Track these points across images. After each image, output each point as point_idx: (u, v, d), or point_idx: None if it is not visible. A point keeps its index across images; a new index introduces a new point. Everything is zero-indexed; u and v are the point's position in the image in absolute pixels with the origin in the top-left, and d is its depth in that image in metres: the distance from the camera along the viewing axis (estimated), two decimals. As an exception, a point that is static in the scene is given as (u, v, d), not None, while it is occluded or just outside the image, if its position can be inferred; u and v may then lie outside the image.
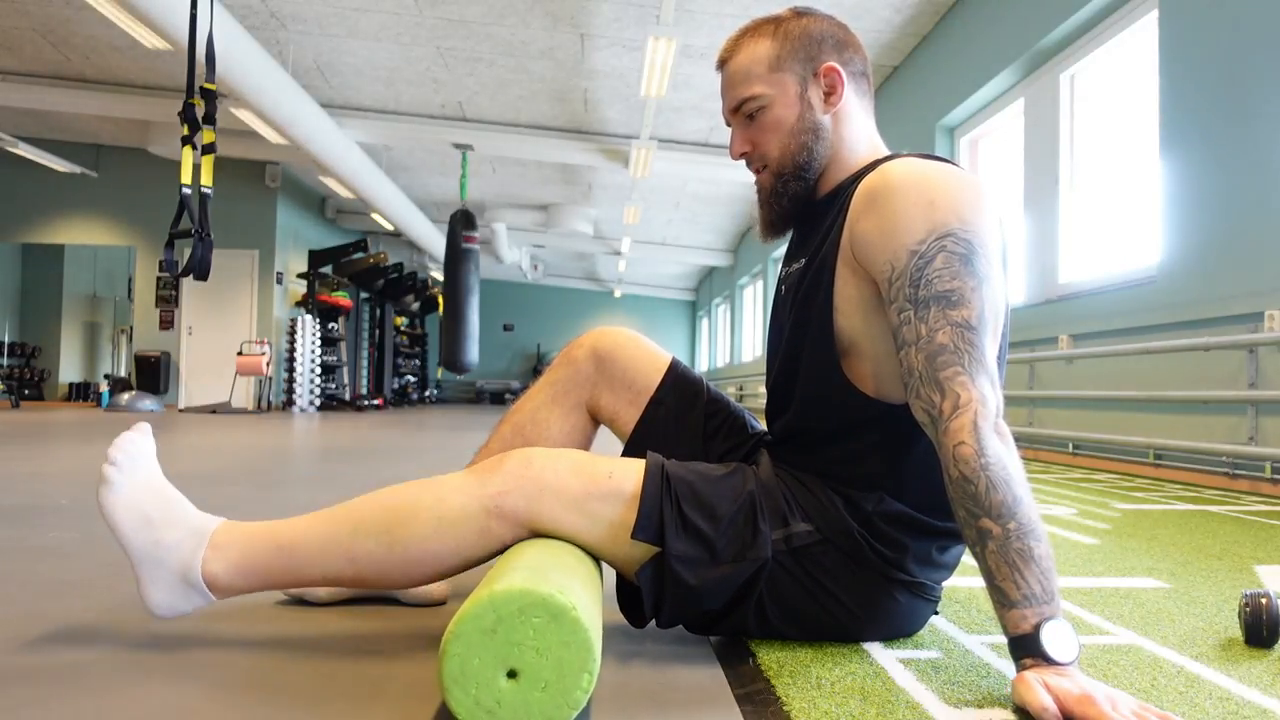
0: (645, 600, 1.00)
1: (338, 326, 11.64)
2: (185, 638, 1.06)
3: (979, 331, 0.92)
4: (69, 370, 13.80)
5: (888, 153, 1.14)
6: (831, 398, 1.06)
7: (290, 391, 10.28)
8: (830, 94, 1.12)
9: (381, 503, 1.01)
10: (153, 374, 10.61)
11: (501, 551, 1.01)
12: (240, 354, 9.90)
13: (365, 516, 1.00)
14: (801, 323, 1.09)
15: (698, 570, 0.99)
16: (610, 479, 1.02)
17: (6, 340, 12.28)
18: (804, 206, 1.16)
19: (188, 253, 2.12)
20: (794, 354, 1.11)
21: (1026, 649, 0.83)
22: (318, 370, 10.61)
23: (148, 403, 9.39)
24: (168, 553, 0.98)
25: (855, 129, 1.14)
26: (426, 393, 16.03)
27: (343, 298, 11.51)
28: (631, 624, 1.07)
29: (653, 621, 1.05)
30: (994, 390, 0.91)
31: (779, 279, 1.22)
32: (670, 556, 0.98)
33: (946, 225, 0.95)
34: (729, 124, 1.21)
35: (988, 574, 0.86)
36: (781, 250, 11.45)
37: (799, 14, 1.15)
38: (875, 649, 1.04)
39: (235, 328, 10.74)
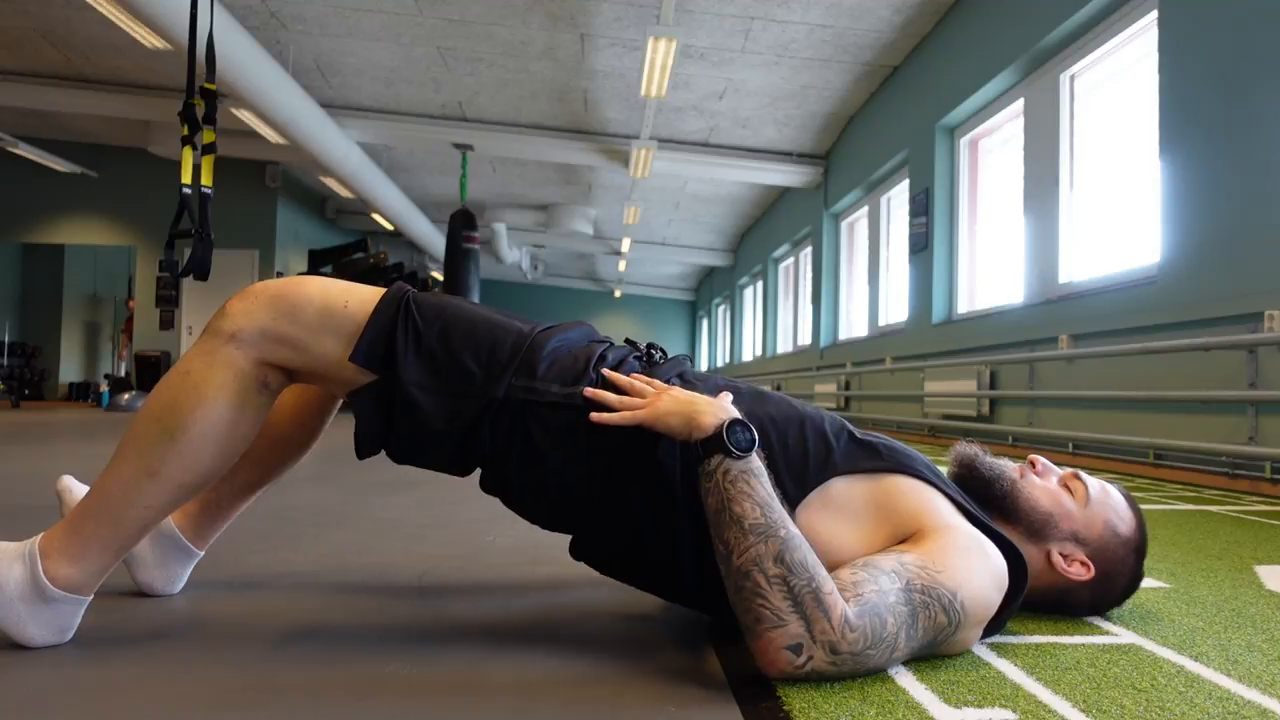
0: (365, 428, 1.01)
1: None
2: (183, 636, 1.06)
3: None
4: (69, 370, 13.78)
5: None
6: None
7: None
8: None
9: (146, 410, 1.02)
10: (153, 374, 10.61)
11: (278, 390, 1.03)
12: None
13: (138, 430, 1.00)
14: None
15: (430, 399, 1.00)
16: (346, 308, 1.03)
17: (6, 340, 12.26)
18: None
19: (188, 253, 2.12)
20: None
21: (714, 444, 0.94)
22: (317, 370, 10.58)
23: (148, 403, 9.37)
24: (7, 586, 0.96)
25: None
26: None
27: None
28: (358, 454, 1.04)
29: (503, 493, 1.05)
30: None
31: None
32: (404, 382, 0.99)
33: None
34: None
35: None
36: (781, 249, 11.45)
37: None
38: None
39: (235, 328, 10.71)
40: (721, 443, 0.93)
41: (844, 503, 1.04)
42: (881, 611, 0.89)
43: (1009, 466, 1.20)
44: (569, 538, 1.13)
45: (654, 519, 1.03)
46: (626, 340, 1.19)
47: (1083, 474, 1.21)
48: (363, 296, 1.05)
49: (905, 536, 1.02)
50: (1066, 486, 1.19)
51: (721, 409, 0.98)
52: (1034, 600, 1.18)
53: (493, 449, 1.03)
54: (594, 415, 1.00)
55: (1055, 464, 1.26)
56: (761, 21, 6.15)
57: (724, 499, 0.92)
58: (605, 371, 1.06)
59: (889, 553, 0.98)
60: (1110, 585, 1.17)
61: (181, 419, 0.98)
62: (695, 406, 0.98)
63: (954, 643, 0.98)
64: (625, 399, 1.02)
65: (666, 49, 5.88)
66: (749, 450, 0.94)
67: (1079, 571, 1.13)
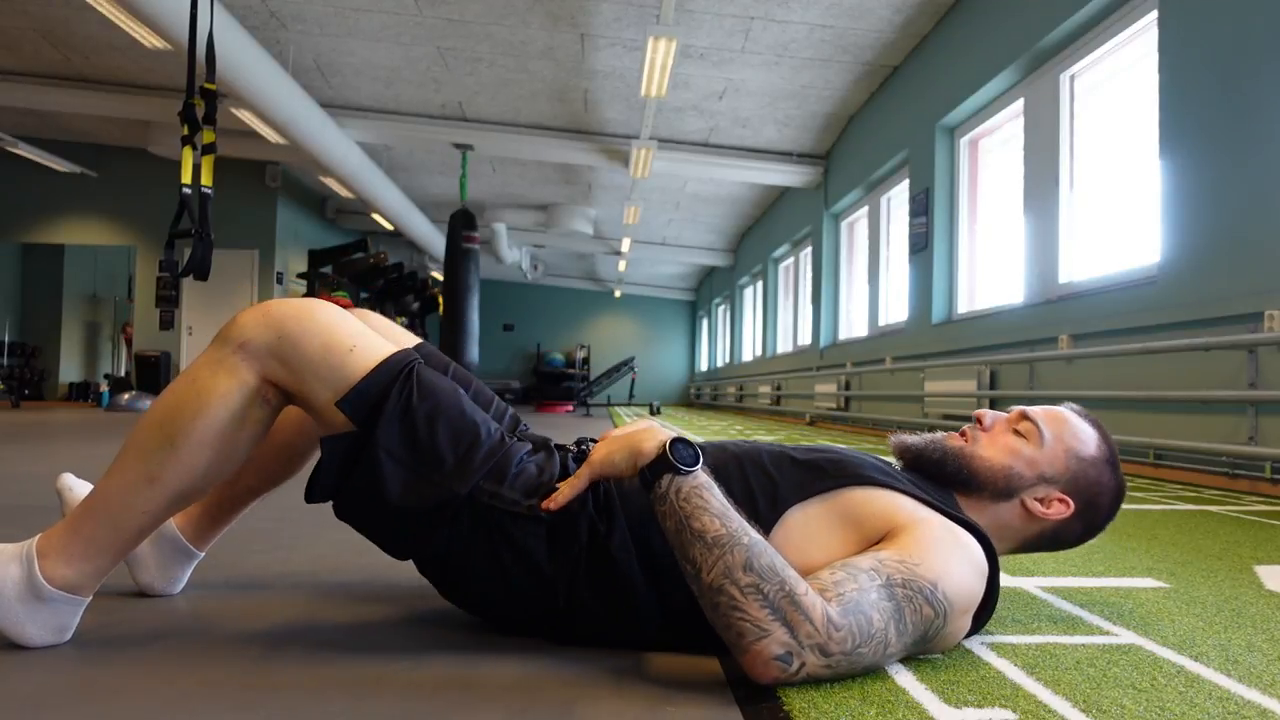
0: (323, 474, 1.00)
1: (338, 326, 11.60)
2: (183, 636, 1.06)
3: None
4: (69, 370, 13.78)
5: None
6: None
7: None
8: None
9: (149, 415, 1.02)
10: (152, 374, 10.61)
11: (279, 406, 1.03)
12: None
13: (141, 435, 1.00)
14: None
15: (395, 470, 0.99)
16: (350, 353, 1.01)
17: (6, 340, 12.26)
18: None
19: (188, 253, 2.12)
20: None
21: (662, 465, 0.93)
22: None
23: (147, 403, 9.39)
24: (4, 587, 0.97)
25: None
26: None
27: (343, 297, 11.49)
28: (306, 498, 1.03)
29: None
30: None
31: None
32: (377, 444, 0.99)
33: None
34: None
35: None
36: (781, 249, 11.43)
37: None
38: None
39: (235, 328, 10.71)
40: (667, 461, 0.93)
41: (804, 530, 1.04)
42: (865, 608, 0.89)
43: (949, 438, 1.19)
44: None
45: (617, 609, 1.03)
46: (556, 445, 1.18)
47: (1029, 410, 1.18)
48: (369, 347, 1.03)
49: (877, 541, 1.02)
50: (1017, 430, 1.17)
51: (660, 431, 0.98)
52: (1031, 548, 1.18)
53: (449, 549, 1.02)
54: (551, 504, 0.98)
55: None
56: (761, 21, 6.15)
57: (681, 518, 0.91)
58: (557, 484, 1.05)
59: (865, 553, 0.98)
60: (1096, 508, 1.15)
61: (183, 427, 0.98)
62: (634, 437, 0.98)
63: (945, 635, 0.97)
64: (568, 480, 1.02)
65: (666, 49, 5.88)
66: (695, 464, 0.93)
67: (1060, 510, 1.12)
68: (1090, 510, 1.15)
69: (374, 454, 0.99)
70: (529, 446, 1.13)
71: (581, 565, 1.02)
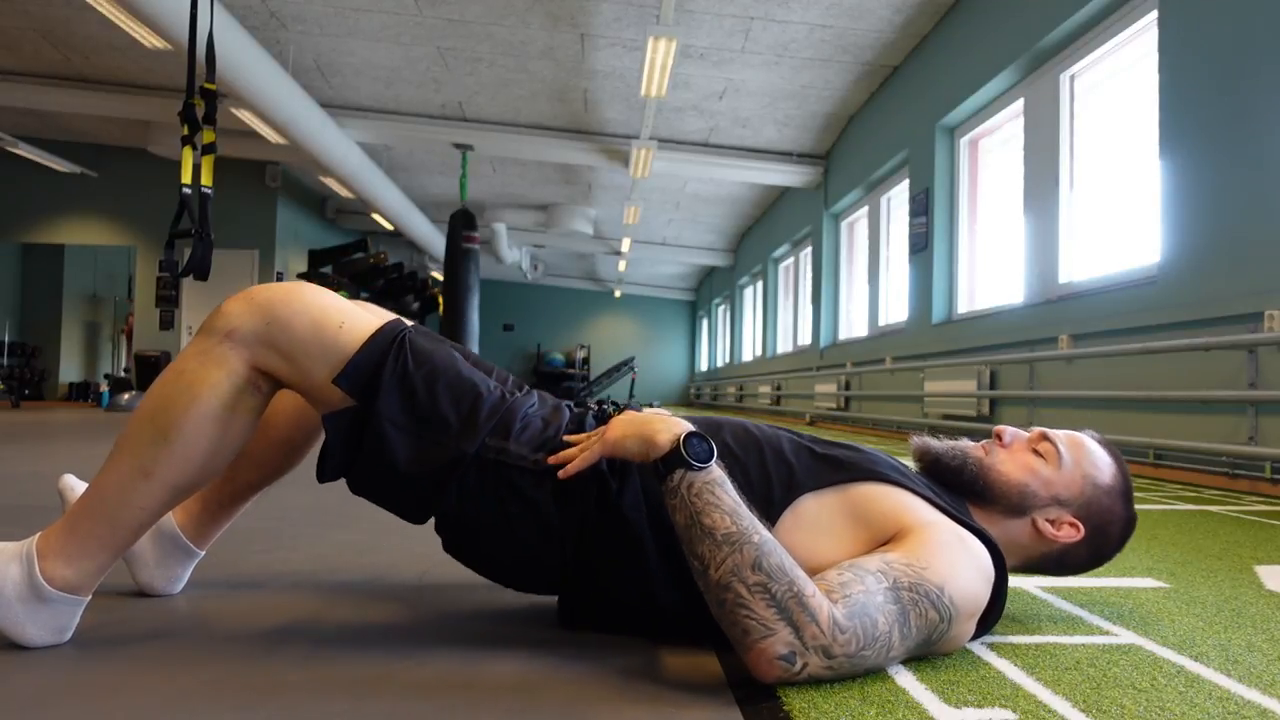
0: (331, 452, 1.00)
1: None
2: (184, 636, 1.06)
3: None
4: (69, 370, 13.77)
5: None
6: None
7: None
8: None
9: (140, 410, 1.01)
10: (153, 374, 10.60)
11: (270, 393, 1.03)
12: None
13: (133, 430, 1.00)
14: None
15: (400, 438, 0.99)
16: (340, 329, 1.02)
17: (6, 340, 12.25)
18: None
19: (188, 253, 2.12)
20: None
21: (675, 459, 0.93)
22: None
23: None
24: (5, 587, 0.96)
25: None
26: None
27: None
28: (318, 478, 1.04)
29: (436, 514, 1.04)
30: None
31: None
32: (380, 416, 0.99)
33: None
34: None
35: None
36: (781, 249, 11.42)
37: None
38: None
39: (235, 328, 10.71)
40: (680, 457, 0.93)
41: (815, 519, 1.04)
42: (871, 611, 0.89)
43: (971, 448, 1.18)
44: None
45: (624, 564, 1.03)
46: (576, 403, 1.18)
47: (1050, 432, 1.19)
48: (359, 321, 1.04)
49: (885, 540, 1.02)
50: (1037, 450, 1.17)
51: (675, 423, 0.98)
52: (1035, 568, 1.18)
53: (459, 508, 1.02)
54: (560, 473, 0.99)
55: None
56: (761, 21, 6.15)
57: (692, 513, 0.91)
58: (566, 438, 1.05)
59: (873, 554, 0.98)
60: (1105, 536, 1.15)
61: (174, 419, 0.98)
62: (650, 426, 0.97)
63: (949, 639, 0.97)
64: (582, 444, 1.02)
65: (666, 49, 5.88)
66: (708, 460, 0.93)
67: (1069, 533, 1.12)
68: (1099, 537, 1.15)
69: (378, 425, 0.99)
70: (534, 400, 1.12)
71: (590, 518, 1.02)
